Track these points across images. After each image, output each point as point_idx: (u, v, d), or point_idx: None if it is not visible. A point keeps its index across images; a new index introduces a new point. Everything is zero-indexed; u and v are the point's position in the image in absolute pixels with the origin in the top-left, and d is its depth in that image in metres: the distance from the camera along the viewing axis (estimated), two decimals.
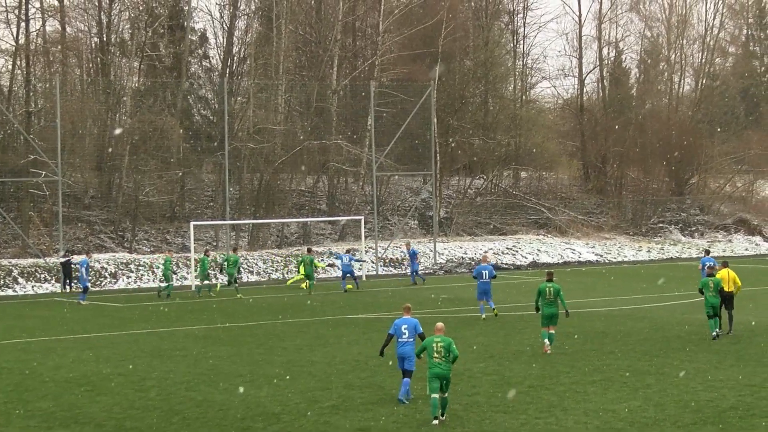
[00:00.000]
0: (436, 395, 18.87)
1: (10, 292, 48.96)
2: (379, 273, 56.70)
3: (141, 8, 64.24)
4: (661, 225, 75.25)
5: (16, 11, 58.73)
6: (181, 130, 60.70)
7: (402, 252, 59.13)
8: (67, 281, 48.87)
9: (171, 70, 65.05)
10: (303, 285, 46.46)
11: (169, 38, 64.79)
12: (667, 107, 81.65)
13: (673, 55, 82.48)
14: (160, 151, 60.12)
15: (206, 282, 46.20)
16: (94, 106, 59.79)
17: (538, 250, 64.81)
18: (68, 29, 63.71)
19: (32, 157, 54.55)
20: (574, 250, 65.92)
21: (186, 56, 64.99)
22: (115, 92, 61.59)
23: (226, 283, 46.41)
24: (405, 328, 20.84)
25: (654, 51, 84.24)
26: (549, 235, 69.09)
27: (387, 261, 58.82)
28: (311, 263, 46.73)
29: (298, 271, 48.42)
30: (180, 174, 61.99)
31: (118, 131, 58.56)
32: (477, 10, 78.50)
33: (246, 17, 68.35)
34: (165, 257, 46.83)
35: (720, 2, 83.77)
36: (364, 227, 57.18)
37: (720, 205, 78.34)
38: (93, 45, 64.75)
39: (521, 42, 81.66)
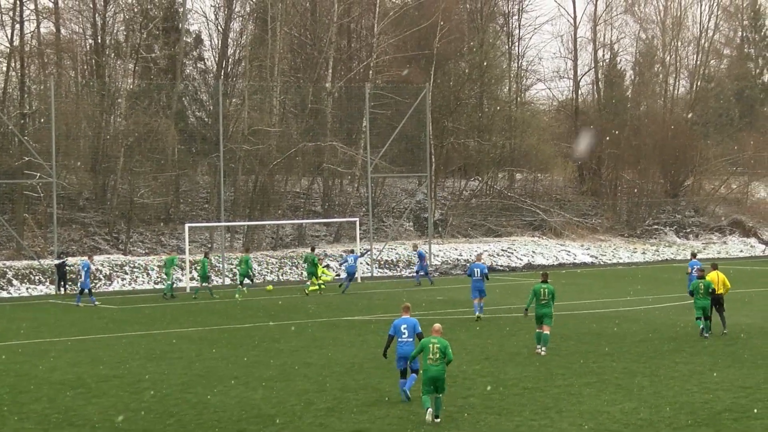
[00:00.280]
0: (428, 395, 19.02)
1: (4, 294, 48.92)
2: (374, 275, 56.66)
3: (136, 10, 64.21)
4: (656, 227, 75.33)
5: (11, 13, 58.71)
6: (176, 132, 60.65)
7: (397, 254, 59.11)
8: (62, 283, 48.87)
9: (166, 72, 65.00)
10: (313, 288, 46.36)
11: (164, 40, 64.76)
12: (662, 109, 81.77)
13: (668, 57, 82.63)
14: (154, 152, 60.07)
15: (205, 284, 46.09)
16: (89, 107, 59.75)
17: (533, 251, 64.85)
18: (63, 31, 63.76)
19: (27, 158, 54.49)
20: (569, 251, 65.97)
21: (181, 58, 64.95)
22: (109, 94, 61.54)
23: (240, 283, 46.46)
24: (404, 328, 20.86)
25: (649, 53, 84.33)
26: (544, 237, 69.14)
27: (382, 263, 58.79)
28: (314, 263, 46.81)
29: (308, 271, 47.88)
30: (175, 176, 61.96)
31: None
32: (472, 12, 78.52)
33: (241, 19, 68.42)
34: (167, 257, 47.01)
35: (715, 4, 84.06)
36: (359, 229, 57.17)
37: (715, 206, 78.45)
38: (88, 47, 64.75)
39: (516, 44, 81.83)
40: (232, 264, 55.09)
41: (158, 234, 60.47)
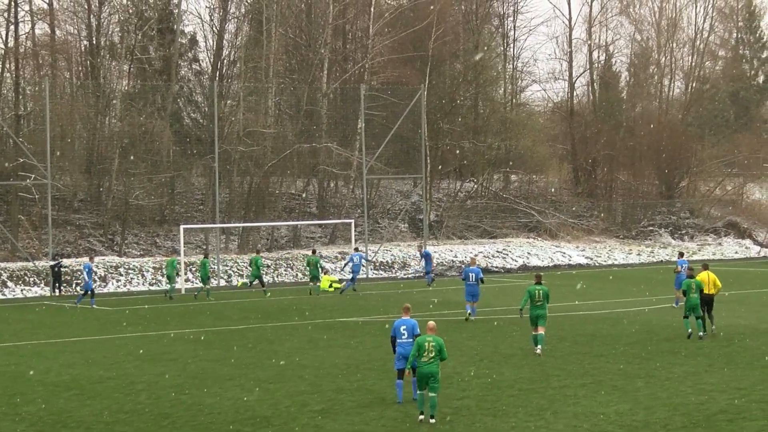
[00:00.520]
0: (421, 392, 19.12)
1: None
2: (370, 276, 56.63)
3: (130, 11, 64.15)
4: (651, 228, 75.37)
5: (5, 14, 58.61)
6: (171, 134, 60.60)
7: (392, 255, 59.05)
8: (57, 285, 48.79)
9: (161, 73, 64.93)
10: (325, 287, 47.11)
11: (159, 41, 64.68)
12: (657, 110, 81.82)
13: (663, 59, 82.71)
14: (149, 154, 60.03)
15: (206, 286, 45.99)
16: (84, 109, 59.67)
17: (529, 253, 64.85)
18: (58, 32, 63.70)
19: (21, 160, 54.42)
20: (564, 253, 65.98)
21: (176, 59, 64.90)
22: (104, 95, 61.47)
23: (248, 283, 46.55)
24: (404, 329, 20.87)
25: (644, 54, 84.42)
26: (539, 239, 69.16)
27: (377, 264, 58.75)
28: (317, 265, 46.97)
29: (312, 275, 48.01)
30: (170, 177, 61.91)
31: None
32: (467, 13, 78.57)
33: (236, 20, 68.31)
34: (168, 259, 47.02)
35: (710, 6, 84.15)
36: (355, 230, 57.13)
37: (710, 208, 78.51)
38: (82, 48, 64.68)
39: (511, 45, 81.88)
40: (227, 265, 55.08)
41: (153, 235, 60.41)
